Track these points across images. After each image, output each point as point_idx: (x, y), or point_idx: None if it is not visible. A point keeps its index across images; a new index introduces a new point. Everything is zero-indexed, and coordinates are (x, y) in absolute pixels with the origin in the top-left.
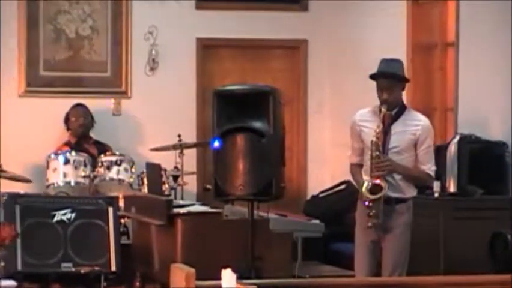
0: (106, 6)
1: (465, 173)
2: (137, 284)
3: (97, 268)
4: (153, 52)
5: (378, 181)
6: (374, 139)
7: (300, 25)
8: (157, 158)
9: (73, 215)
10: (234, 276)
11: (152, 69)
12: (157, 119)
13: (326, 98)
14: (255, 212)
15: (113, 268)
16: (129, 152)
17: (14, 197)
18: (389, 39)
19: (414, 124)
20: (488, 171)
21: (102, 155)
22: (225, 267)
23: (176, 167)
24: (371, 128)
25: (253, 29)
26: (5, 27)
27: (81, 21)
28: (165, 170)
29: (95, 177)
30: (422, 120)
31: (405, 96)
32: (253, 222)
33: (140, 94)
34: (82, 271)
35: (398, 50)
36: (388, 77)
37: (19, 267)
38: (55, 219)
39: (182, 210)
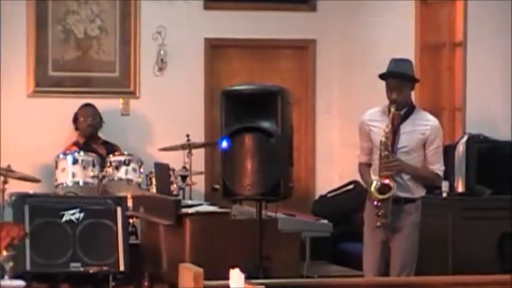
0: (114, 7)
1: (473, 173)
2: (146, 283)
3: (105, 268)
4: (161, 52)
5: (387, 181)
6: (383, 139)
7: (308, 25)
8: (165, 158)
9: (82, 214)
10: (242, 276)
11: (160, 69)
12: (166, 119)
13: (334, 98)
14: (263, 211)
15: (122, 268)
16: (137, 152)
17: (23, 197)
18: (397, 39)
19: (424, 124)
20: (496, 171)
21: (110, 155)
22: (233, 267)
23: (184, 167)
24: (380, 128)
25: (261, 29)
26: (14, 27)
27: (90, 22)
28: (173, 170)
29: (103, 177)
30: (431, 120)
31: (413, 96)
32: (262, 222)
33: (149, 94)
34: (91, 271)
35: (406, 49)
36: (397, 77)
37: (28, 267)
38: (64, 219)
39: (190, 210)
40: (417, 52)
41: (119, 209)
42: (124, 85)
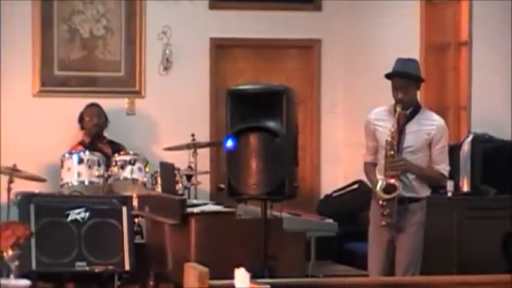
0: (120, 6)
1: (478, 173)
2: (151, 283)
3: (111, 267)
4: (167, 52)
5: (392, 181)
6: (389, 138)
7: (314, 25)
8: (170, 157)
9: (87, 214)
10: (247, 275)
11: (166, 68)
12: (171, 118)
13: (339, 97)
14: (269, 211)
15: (127, 267)
16: (143, 151)
17: (28, 197)
18: (402, 39)
19: (429, 124)
20: (501, 171)
21: (116, 155)
22: (239, 266)
23: (189, 167)
24: (385, 127)
25: (266, 29)
26: (20, 27)
27: (95, 21)
28: (179, 170)
29: (109, 176)
30: (436, 120)
31: (418, 95)
32: (267, 222)
33: (154, 94)
34: (96, 270)
35: (412, 49)
36: (403, 77)
37: (33, 267)
38: (69, 218)
39: (195, 210)
40: (423, 52)
41: (124, 209)
42: (129, 85)
